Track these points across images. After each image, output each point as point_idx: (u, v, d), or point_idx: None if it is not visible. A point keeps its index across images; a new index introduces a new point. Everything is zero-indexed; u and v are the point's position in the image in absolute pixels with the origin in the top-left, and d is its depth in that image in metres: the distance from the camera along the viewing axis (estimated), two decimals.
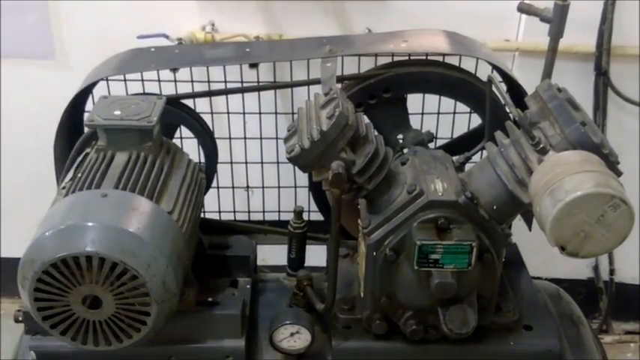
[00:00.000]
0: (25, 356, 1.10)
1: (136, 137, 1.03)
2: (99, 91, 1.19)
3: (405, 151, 1.25)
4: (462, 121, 1.34)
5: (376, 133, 1.03)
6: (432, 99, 1.32)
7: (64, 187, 0.99)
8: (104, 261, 0.85)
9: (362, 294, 1.07)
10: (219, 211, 1.50)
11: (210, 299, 1.10)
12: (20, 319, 1.03)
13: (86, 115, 1.08)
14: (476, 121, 1.30)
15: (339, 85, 1.02)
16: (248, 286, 1.21)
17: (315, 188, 1.34)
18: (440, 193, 0.97)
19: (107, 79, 1.19)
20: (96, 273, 0.85)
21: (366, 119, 1.03)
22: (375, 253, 1.00)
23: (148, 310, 0.89)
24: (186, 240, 0.99)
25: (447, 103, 1.31)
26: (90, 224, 0.86)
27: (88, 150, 1.10)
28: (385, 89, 1.20)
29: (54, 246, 0.85)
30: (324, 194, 1.29)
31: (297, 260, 1.32)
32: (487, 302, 1.04)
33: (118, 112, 1.03)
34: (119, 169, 0.99)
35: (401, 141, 1.26)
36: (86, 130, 1.11)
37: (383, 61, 1.24)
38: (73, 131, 1.22)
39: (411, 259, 0.96)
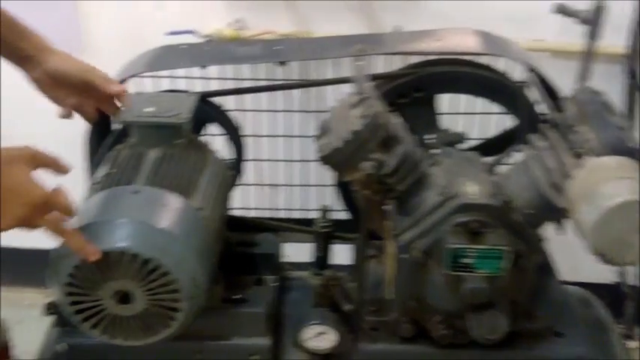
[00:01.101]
0: (53, 348, 1.12)
1: (167, 134, 1.03)
2: (130, 87, 1.20)
3: (435, 151, 1.24)
4: (493, 122, 1.32)
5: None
6: (462, 99, 1.31)
7: (96, 183, 1.00)
8: (136, 257, 0.85)
9: (389, 296, 1.06)
10: (245, 208, 1.50)
11: (236, 296, 1.10)
12: (50, 311, 1.04)
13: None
14: (507, 122, 1.29)
15: (371, 84, 1.01)
16: (274, 284, 1.21)
17: (342, 187, 1.34)
18: (473, 196, 0.96)
19: (139, 76, 1.19)
20: (127, 269, 0.86)
21: (398, 119, 1.01)
22: (404, 256, 0.99)
23: (177, 307, 0.90)
24: (215, 237, 0.99)
25: (478, 103, 1.30)
26: (122, 220, 0.86)
27: (119, 146, 1.10)
28: (417, 88, 1.19)
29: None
30: (351, 193, 1.29)
31: (322, 259, 1.32)
32: (518, 308, 1.03)
33: (150, 109, 1.04)
34: (150, 166, 0.99)
35: (431, 141, 1.25)
36: (118, 126, 1.12)
37: (414, 59, 1.23)
38: (104, 127, 1.23)
39: (442, 263, 0.95)
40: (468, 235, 0.95)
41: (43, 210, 0.82)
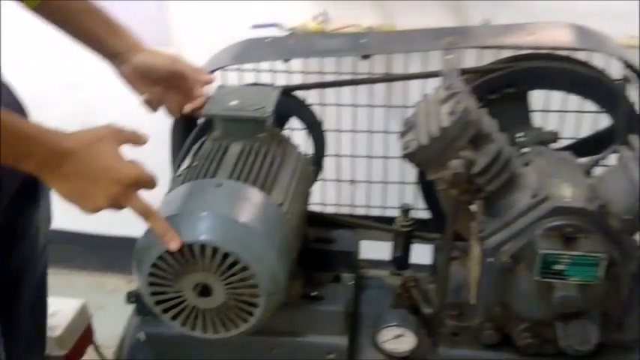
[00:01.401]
0: (134, 336, 1.14)
1: (250, 128, 1.03)
2: (214, 80, 1.20)
3: (526, 150, 1.18)
4: (587, 121, 1.25)
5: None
6: (554, 95, 1.24)
7: (180, 175, 1.00)
8: (217, 250, 0.85)
9: (473, 300, 1.02)
10: (323, 204, 1.49)
11: (314, 293, 1.08)
12: (132, 299, 1.05)
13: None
14: (603, 121, 1.22)
15: (461, 79, 0.97)
16: (351, 283, 1.19)
17: (424, 185, 1.30)
18: (567, 199, 0.91)
19: (223, 69, 1.19)
20: (208, 262, 0.86)
21: (488, 116, 0.97)
22: (491, 260, 0.95)
23: (255, 302, 0.89)
24: (294, 233, 0.98)
25: (571, 100, 1.23)
26: (205, 214, 0.86)
27: (203, 138, 1.11)
28: (508, 84, 1.14)
29: None
30: (434, 192, 1.25)
31: (402, 259, 1.29)
32: (610, 318, 0.97)
33: (234, 103, 1.04)
34: (233, 159, 0.98)
35: (521, 139, 1.19)
36: (203, 118, 1.12)
37: (505, 54, 1.18)
38: (189, 118, 1.23)
39: (532, 269, 0.90)
40: (561, 240, 0.90)
41: (133, 187, 0.82)
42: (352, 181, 1.47)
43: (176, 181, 0.99)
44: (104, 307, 1.97)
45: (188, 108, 1.06)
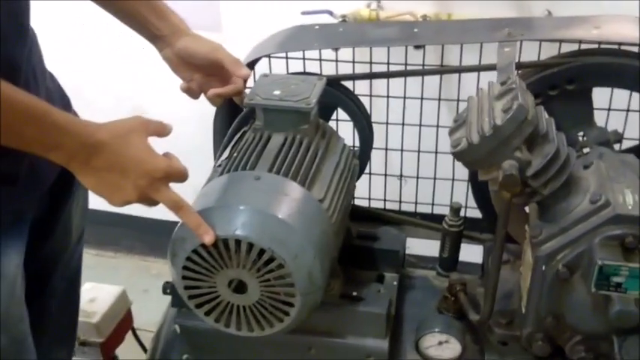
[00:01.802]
0: (170, 327, 1.13)
1: (293, 119, 0.99)
2: (261, 67, 1.18)
3: (587, 151, 1.12)
4: None
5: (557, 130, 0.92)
6: (618, 93, 1.17)
7: (219, 165, 0.98)
8: (252, 246, 0.82)
9: (523, 309, 0.97)
10: (369, 198, 1.44)
11: (355, 293, 1.05)
12: (168, 291, 1.04)
13: (247, 92, 1.07)
14: None
15: (517, 74, 0.91)
16: (395, 283, 1.15)
17: (475, 183, 1.24)
18: (629, 206, 0.85)
19: (269, 57, 1.16)
20: (243, 257, 0.83)
21: (546, 114, 0.91)
22: (544, 267, 0.90)
23: (291, 301, 0.86)
24: (335, 231, 0.95)
25: (637, 98, 1.15)
26: (241, 207, 0.84)
27: (245, 128, 1.08)
28: (569, 80, 1.08)
29: None
30: (486, 190, 1.19)
31: (449, 260, 1.24)
32: None
33: (277, 92, 1.01)
34: (274, 152, 0.96)
35: (582, 139, 1.13)
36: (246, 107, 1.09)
37: (567, 48, 1.11)
38: (233, 106, 1.21)
39: (589, 280, 0.84)
40: (621, 250, 0.84)
41: (164, 180, 0.81)
42: (400, 176, 1.43)
43: (215, 172, 0.97)
44: (148, 290, 1.99)
45: (211, 92, 1.04)
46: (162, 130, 0.85)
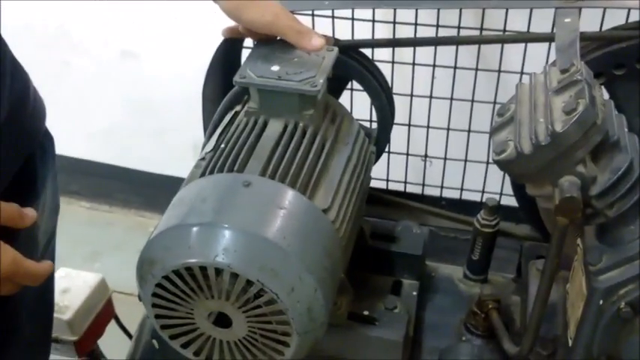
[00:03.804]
0: (148, 340, 1.01)
1: (294, 103, 0.84)
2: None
3: None
4: None
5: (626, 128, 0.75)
6: None
7: (202, 159, 0.84)
8: (236, 277, 0.68)
9: (570, 341, 0.83)
10: (388, 180, 1.30)
11: (366, 313, 0.92)
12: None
13: (244, 56, 0.92)
14: None
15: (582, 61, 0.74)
16: (414, 293, 1.02)
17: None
18: None
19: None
20: (226, 289, 0.69)
21: (616, 111, 0.75)
22: (602, 302, 0.75)
23: (286, 341, 0.72)
24: (344, 245, 0.80)
25: None
26: (225, 226, 0.69)
27: (238, 107, 0.93)
28: None
29: (178, 248, 0.69)
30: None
31: (480, 263, 1.10)
32: None
33: (275, 68, 0.85)
34: (270, 146, 0.81)
35: None
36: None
37: (637, 17, 0.93)
38: (228, 70, 1.05)
39: None
40: None
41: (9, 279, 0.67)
42: (425, 157, 1.27)
43: (198, 168, 0.82)
44: None
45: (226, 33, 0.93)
46: (18, 221, 0.71)
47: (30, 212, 0.73)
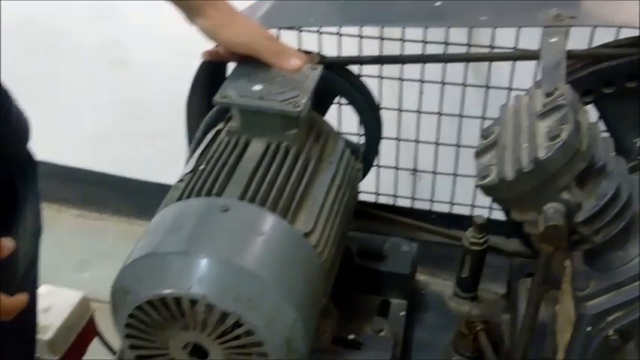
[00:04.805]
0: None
1: (277, 123, 0.83)
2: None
3: None
4: None
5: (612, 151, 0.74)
6: None
7: (181, 181, 0.82)
8: (212, 308, 0.66)
9: None
10: (377, 193, 1.29)
11: (352, 336, 0.90)
12: None
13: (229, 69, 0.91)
14: None
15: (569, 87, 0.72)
16: (402, 314, 1.01)
17: None
18: None
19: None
20: (201, 320, 0.68)
21: (601, 134, 0.73)
22: (590, 329, 0.74)
23: None
24: (326, 269, 0.79)
25: None
26: (199, 255, 0.68)
27: (220, 126, 0.92)
28: (630, 76, 0.89)
29: (151, 278, 0.68)
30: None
31: (469, 280, 1.09)
32: None
33: (258, 88, 0.83)
34: (250, 168, 0.79)
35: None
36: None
37: (629, 32, 0.92)
38: (213, 84, 1.03)
39: None
40: None
41: None
42: (415, 171, 1.26)
43: (176, 190, 0.80)
44: None
45: (206, 56, 0.92)
46: None
47: (7, 243, 0.71)
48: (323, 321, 0.85)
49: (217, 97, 0.83)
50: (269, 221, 0.73)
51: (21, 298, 0.72)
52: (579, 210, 0.68)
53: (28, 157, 0.96)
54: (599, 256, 0.74)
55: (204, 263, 0.67)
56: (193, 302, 0.67)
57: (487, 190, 0.70)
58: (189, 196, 0.76)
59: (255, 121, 0.83)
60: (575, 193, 0.68)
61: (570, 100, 0.68)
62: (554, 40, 0.81)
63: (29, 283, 0.99)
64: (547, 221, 0.65)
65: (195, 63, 1.01)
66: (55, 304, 1.22)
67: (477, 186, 0.71)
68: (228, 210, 0.73)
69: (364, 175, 1.13)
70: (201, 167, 0.82)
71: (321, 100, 1.03)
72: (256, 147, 0.83)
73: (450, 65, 1.07)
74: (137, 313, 0.69)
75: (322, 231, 0.79)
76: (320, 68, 0.88)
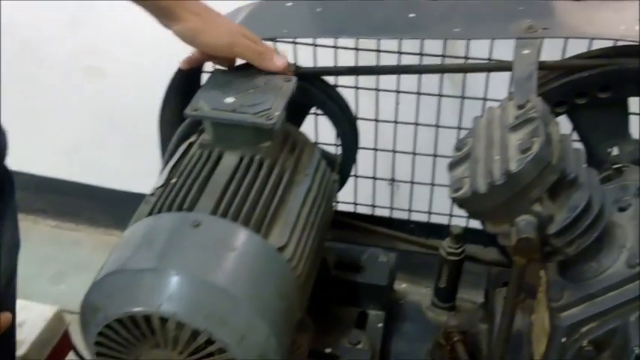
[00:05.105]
0: None
1: (250, 136, 0.82)
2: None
3: (618, 166, 0.95)
4: None
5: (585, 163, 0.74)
6: None
7: (152, 195, 0.81)
8: (182, 326, 0.66)
9: None
10: (355, 203, 1.28)
11: (328, 350, 0.90)
12: None
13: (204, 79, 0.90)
14: None
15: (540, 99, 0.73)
16: (380, 325, 1.01)
17: None
18: None
19: None
20: (172, 338, 0.67)
21: (574, 145, 0.74)
22: (564, 339, 0.74)
23: None
24: (301, 284, 0.78)
25: None
26: (170, 272, 0.67)
27: (193, 138, 0.91)
28: (603, 87, 0.90)
29: (120, 296, 0.67)
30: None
31: (447, 290, 1.09)
32: None
33: (230, 100, 0.83)
34: (223, 181, 0.79)
35: (614, 156, 0.96)
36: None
37: (602, 43, 0.93)
38: (188, 92, 1.02)
39: None
40: None
41: None
42: (392, 181, 1.26)
43: (145, 207, 0.79)
44: None
45: (184, 64, 0.91)
46: None
47: None
48: (299, 335, 0.84)
49: (189, 110, 0.82)
50: (241, 236, 0.73)
51: (4, 317, 0.71)
52: (551, 222, 0.68)
53: (5, 172, 0.94)
54: (572, 268, 0.75)
55: (174, 280, 0.67)
56: (164, 320, 0.66)
57: (460, 202, 0.71)
58: (160, 211, 0.76)
59: (228, 134, 0.83)
60: (547, 206, 0.68)
61: (541, 113, 0.69)
62: (526, 51, 0.82)
63: (9, 297, 0.98)
64: (519, 234, 0.65)
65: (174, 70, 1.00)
66: (28, 319, 1.20)
67: (451, 198, 0.71)
68: (200, 225, 0.72)
69: (341, 186, 1.13)
70: (173, 181, 0.81)
71: (297, 112, 1.02)
72: (229, 160, 0.83)
73: (426, 75, 1.08)
74: (107, 331, 0.68)
75: (297, 244, 0.79)
76: (294, 80, 0.88)
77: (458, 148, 0.76)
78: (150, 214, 0.76)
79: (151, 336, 0.68)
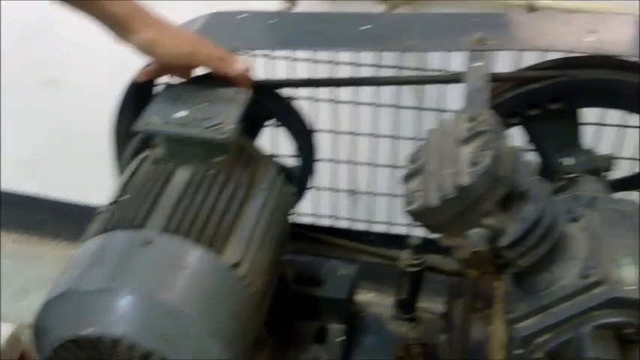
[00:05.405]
0: None
1: (203, 151, 0.82)
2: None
3: (572, 176, 0.96)
4: None
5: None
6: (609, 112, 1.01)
7: (102, 212, 0.80)
8: (134, 347, 0.65)
9: None
10: (315, 215, 1.28)
11: None
12: None
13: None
14: None
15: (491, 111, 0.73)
16: (340, 339, 1.00)
17: None
18: (629, 285, 0.69)
19: None
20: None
21: (525, 158, 0.74)
22: (520, 351, 0.74)
23: None
24: (256, 301, 0.77)
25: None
26: (120, 292, 0.66)
27: (147, 153, 0.90)
28: (554, 98, 0.91)
29: (70, 318, 0.66)
30: None
31: (408, 302, 1.09)
32: None
33: (182, 114, 0.82)
34: (174, 198, 0.78)
35: (568, 166, 0.97)
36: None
37: (552, 55, 0.94)
38: (142, 105, 1.01)
39: None
40: (618, 343, 0.69)
41: None
42: (352, 192, 1.26)
43: (95, 225, 0.78)
44: None
45: (142, 76, 0.90)
46: None
47: None
48: (257, 354, 0.83)
49: (140, 124, 0.81)
50: (193, 253, 0.72)
51: None
52: (503, 235, 0.69)
53: None
54: (526, 279, 0.75)
55: (125, 300, 0.65)
56: (115, 342, 0.65)
57: (414, 215, 0.71)
58: (110, 229, 0.74)
59: (180, 149, 0.82)
60: (499, 218, 0.68)
61: (492, 126, 0.69)
62: (477, 64, 0.83)
63: None
64: (471, 247, 0.65)
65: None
66: None
67: (406, 211, 0.71)
68: (151, 243, 0.71)
69: (300, 198, 1.12)
70: (124, 198, 0.80)
71: (253, 125, 1.02)
72: (181, 176, 0.81)
73: (383, 88, 1.08)
74: (60, 351, 0.67)
75: (252, 261, 0.78)
76: (249, 92, 0.87)
77: (412, 161, 0.76)
78: (100, 232, 0.75)
79: (103, 357, 0.66)
